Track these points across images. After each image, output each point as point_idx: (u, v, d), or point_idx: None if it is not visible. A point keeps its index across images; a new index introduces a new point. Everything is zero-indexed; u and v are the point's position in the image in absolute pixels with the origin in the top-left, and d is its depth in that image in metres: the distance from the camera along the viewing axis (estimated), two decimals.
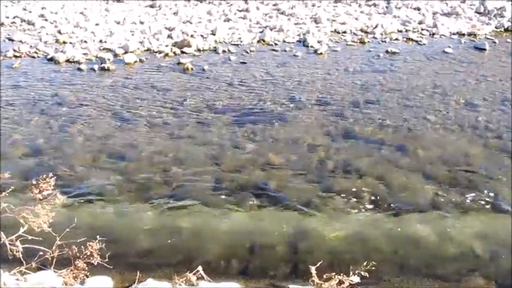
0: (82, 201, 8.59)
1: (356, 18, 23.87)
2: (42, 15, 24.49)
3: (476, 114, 12.35)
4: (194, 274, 5.00)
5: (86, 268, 5.06)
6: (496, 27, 22.37)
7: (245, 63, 17.16)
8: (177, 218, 8.15)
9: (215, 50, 18.78)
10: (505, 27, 22.30)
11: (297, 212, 8.29)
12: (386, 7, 25.78)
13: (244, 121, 11.94)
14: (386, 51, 18.39)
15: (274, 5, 26.76)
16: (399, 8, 25.94)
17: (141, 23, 22.89)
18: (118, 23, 22.95)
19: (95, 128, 11.61)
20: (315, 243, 7.47)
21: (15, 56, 17.82)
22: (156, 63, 17.18)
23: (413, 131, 11.33)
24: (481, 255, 7.20)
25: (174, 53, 18.26)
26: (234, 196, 8.75)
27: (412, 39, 20.47)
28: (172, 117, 12.28)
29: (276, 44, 19.70)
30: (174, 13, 24.95)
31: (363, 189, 8.94)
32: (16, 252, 4.77)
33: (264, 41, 20.04)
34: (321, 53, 18.32)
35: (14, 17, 24.28)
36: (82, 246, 4.97)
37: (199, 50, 18.67)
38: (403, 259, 7.14)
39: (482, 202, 8.55)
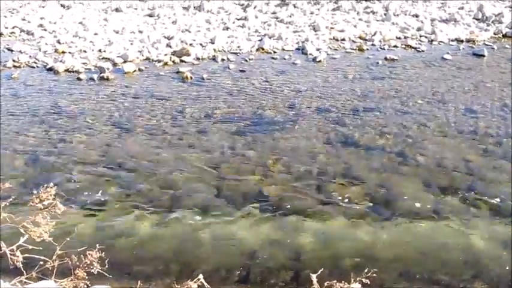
0: (82, 210, 8.58)
1: (354, 26, 23.94)
2: (41, 25, 24.55)
3: (475, 120, 12.36)
4: (195, 282, 4.98)
5: (86, 277, 5.05)
6: (494, 34, 22.45)
7: (244, 71, 17.19)
8: (177, 227, 8.14)
9: (214, 59, 18.83)
10: (504, 33, 22.37)
11: (297, 219, 8.27)
12: (385, 14, 25.86)
13: (243, 129, 11.95)
14: (385, 58, 18.43)
15: (272, 13, 26.84)
16: (397, 15, 26.03)
17: (140, 32, 22.95)
18: (117, 32, 23.01)
19: (94, 138, 11.61)
20: (315, 250, 7.46)
21: (15, 66, 17.85)
22: (155, 72, 17.21)
23: (413, 138, 11.34)
24: (482, 261, 7.18)
25: (173, 61, 18.30)
26: (234, 204, 8.75)
27: (410, 46, 20.53)
28: (171, 126, 12.28)
29: (275, 52, 19.75)
30: (173, 22, 25.01)
31: (363, 196, 8.94)
32: (16, 262, 4.75)
33: (263, 49, 20.09)
34: (319, 61, 18.35)
35: (13, 27, 24.35)
36: (82, 256, 4.96)
37: (198, 59, 18.72)
38: (404, 266, 7.12)
39: (483, 208, 8.54)
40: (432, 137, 11.41)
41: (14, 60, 18.27)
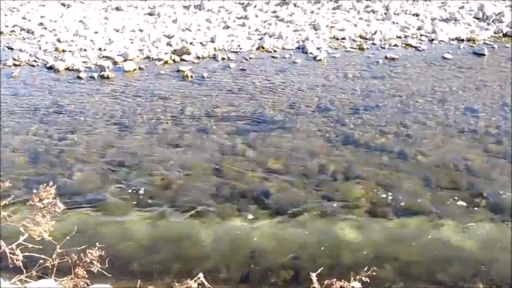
0: (82, 209, 8.58)
1: (355, 25, 23.90)
2: (41, 24, 24.51)
3: (475, 119, 12.36)
4: (195, 281, 4.98)
5: (86, 276, 5.05)
6: (494, 33, 22.42)
7: (244, 70, 17.18)
8: (177, 226, 8.15)
9: (214, 58, 18.80)
10: (504, 32, 22.34)
11: (297, 218, 8.28)
12: (385, 13, 25.82)
13: (244, 128, 11.95)
14: (386, 57, 18.40)
15: (273, 12, 26.81)
16: (398, 14, 25.98)
17: (140, 30, 22.92)
18: (117, 31, 22.98)
19: (94, 136, 11.61)
20: (315, 249, 7.46)
21: (15, 65, 17.82)
22: (156, 70, 17.19)
23: (413, 137, 11.33)
24: (481, 261, 7.18)
25: (174, 60, 18.27)
26: (234, 203, 8.76)
27: (411, 45, 20.50)
28: (172, 124, 12.28)
29: (275, 51, 19.72)
30: (173, 21, 24.98)
31: (363, 195, 8.94)
32: (16, 260, 4.76)
33: (263, 48, 20.06)
34: (320, 60, 18.34)
35: (13, 26, 24.29)
36: (82, 254, 4.96)
37: (198, 58, 18.69)
38: (404, 264, 7.13)
39: (483, 207, 8.54)
40: (432, 136, 11.41)
41: (14, 59, 18.23)
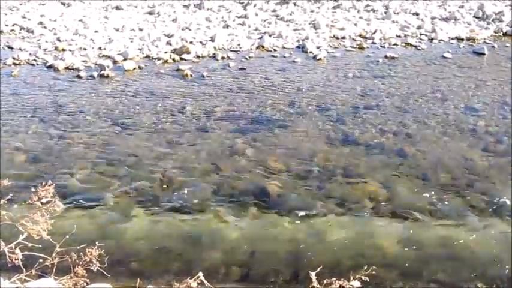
0: (82, 208, 8.58)
1: (355, 24, 23.89)
2: (41, 23, 24.49)
3: (475, 118, 12.36)
4: (194, 280, 4.98)
5: (86, 275, 5.05)
6: (494, 32, 22.43)
7: (244, 69, 17.17)
8: (177, 225, 8.15)
9: (214, 57, 18.80)
10: (504, 31, 22.35)
11: (296, 217, 8.27)
12: (385, 12, 25.81)
13: (243, 127, 11.94)
14: (385, 57, 18.40)
15: (273, 11, 26.79)
16: (398, 13, 25.97)
17: (140, 30, 22.91)
18: (117, 30, 22.97)
19: (94, 135, 11.61)
20: (315, 248, 7.46)
21: (15, 64, 17.80)
22: (156, 70, 17.19)
23: (413, 136, 11.33)
24: (481, 260, 7.18)
25: (173, 59, 18.25)
26: (234, 202, 8.75)
27: (411, 44, 20.49)
28: (171, 124, 12.28)
29: (275, 50, 19.71)
30: (173, 20, 24.97)
31: (362, 194, 8.94)
32: (16, 259, 4.75)
33: (263, 47, 20.05)
34: (320, 59, 18.32)
35: (13, 25, 24.27)
36: (81, 253, 4.96)
37: (198, 57, 18.68)
38: (403, 264, 7.12)
39: (482, 207, 8.54)
40: (432, 136, 11.40)
41: (14, 58, 18.22)
